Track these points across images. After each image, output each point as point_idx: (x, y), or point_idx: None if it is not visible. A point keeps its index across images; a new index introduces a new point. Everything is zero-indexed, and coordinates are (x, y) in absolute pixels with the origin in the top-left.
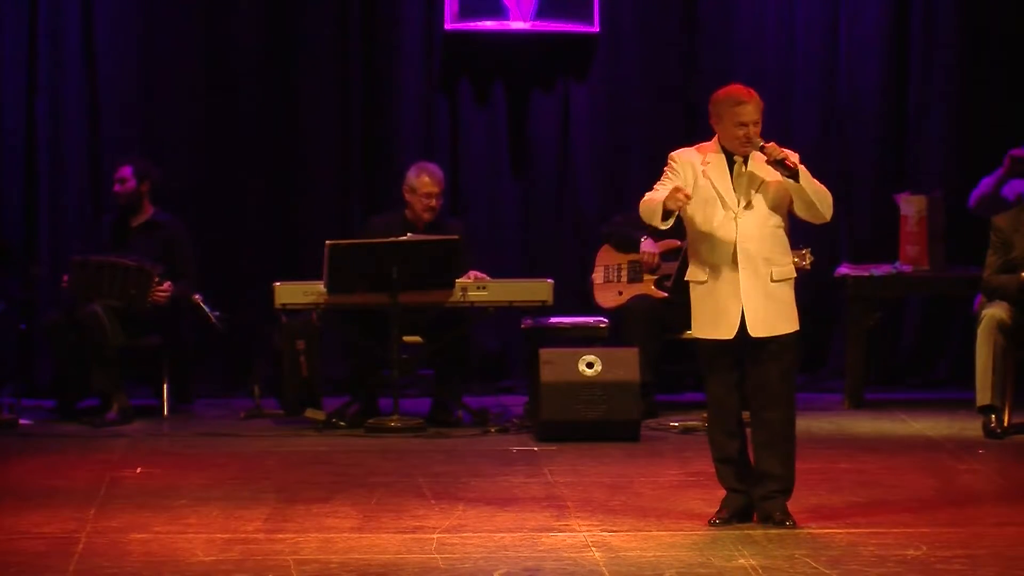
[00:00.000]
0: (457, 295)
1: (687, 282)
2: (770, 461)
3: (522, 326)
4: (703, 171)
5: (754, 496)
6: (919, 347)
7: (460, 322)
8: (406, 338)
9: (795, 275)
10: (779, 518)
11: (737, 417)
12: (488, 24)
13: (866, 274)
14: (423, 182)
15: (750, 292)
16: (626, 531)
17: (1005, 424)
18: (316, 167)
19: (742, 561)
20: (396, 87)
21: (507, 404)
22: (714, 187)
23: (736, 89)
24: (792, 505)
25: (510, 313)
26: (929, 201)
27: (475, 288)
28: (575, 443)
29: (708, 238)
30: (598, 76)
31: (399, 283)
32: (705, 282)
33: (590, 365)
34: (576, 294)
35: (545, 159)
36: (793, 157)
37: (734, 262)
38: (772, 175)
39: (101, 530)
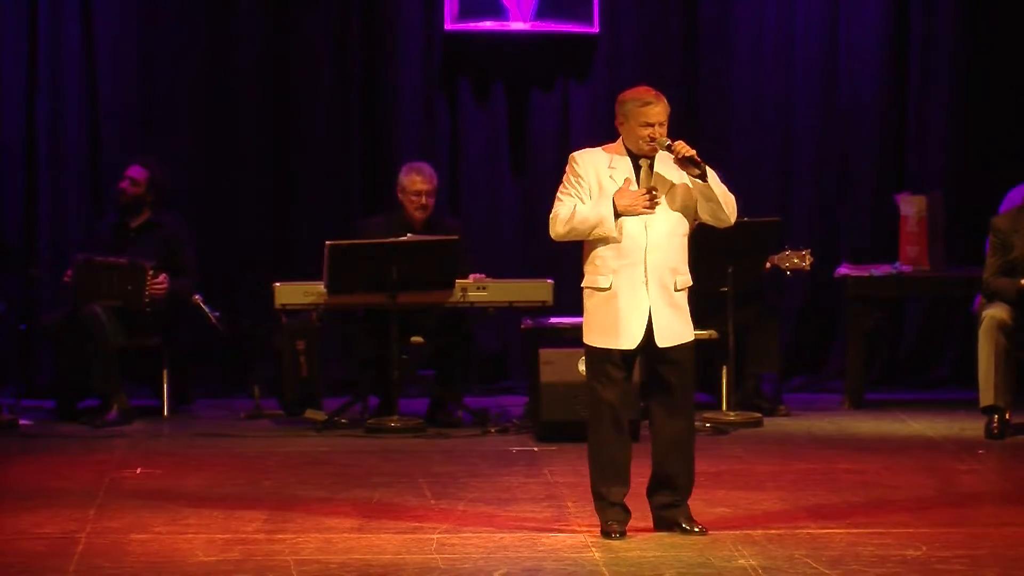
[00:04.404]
0: (457, 295)
1: (584, 288)
2: (673, 471)
3: (522, 326)
4: (610, 175)
5: (653, 504)
6: (919, 347)
7: (460, 322)
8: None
9: (691, 283)
10: (687, 526)
11: (630, 422)
12: (488, 24)
13: (866, 274)
14: (412, 180)
15: (657, 302)
16: (626, 531)
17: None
18: (316, 167)
19: (742, 561)
20: (396, 87)
21: (507, 404)
22: None
23: (643, 90)
24: (792, 505)
25: (510, 313)
26: (929, 201)
27: (475, 288)
28: (575, 443)
29: (616, 244)
30: (598, 76)
31: (399, 283)
32: (608, 289)
33: None
34: (576, 294)
35: (545, 159)
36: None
37: (643, 271)
38: (679, 179)
39: (101, 530)
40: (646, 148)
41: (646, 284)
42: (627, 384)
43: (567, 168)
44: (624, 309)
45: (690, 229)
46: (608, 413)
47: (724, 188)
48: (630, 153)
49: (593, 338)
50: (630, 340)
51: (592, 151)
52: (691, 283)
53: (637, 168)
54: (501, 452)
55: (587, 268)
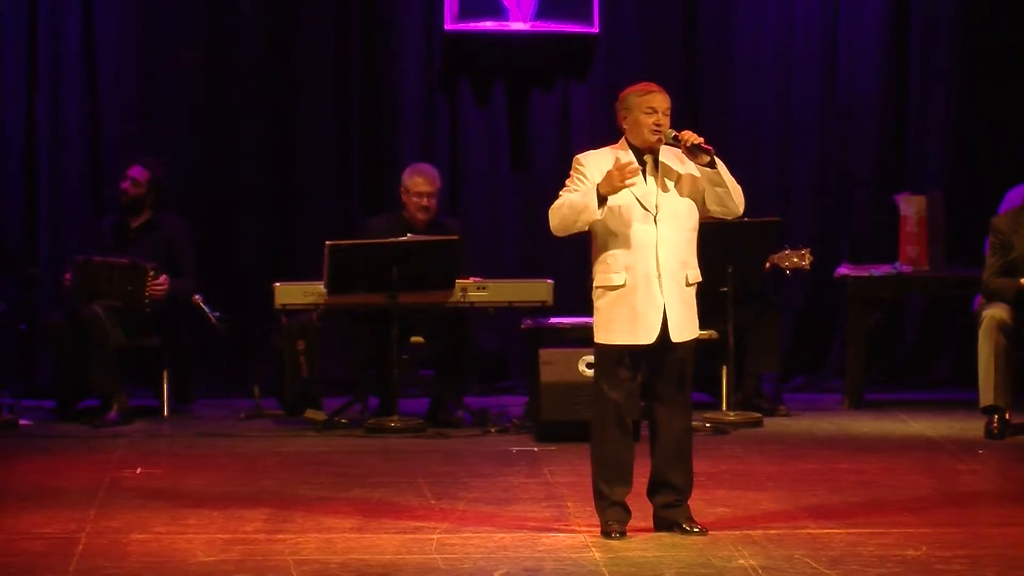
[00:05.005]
0: (457, 295)
1: (596, 288)
2: (676, 470)
3: (522, 326)
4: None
5: (655, 504)
6: (919, 347)
7: (460, 322)
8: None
9: (700, 278)
10: (687, 526)
11: (632, 422)
12: (488, 24)
13: (866, 274)
14: (415, 182)
15: (670, 296)
16: (626, 531)
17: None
18: (316, 167)
19: (742, 562)
20: (396, 87)
21: (507, 404)
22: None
23: (643, 83)
24: (792, 505)
25: (510, 313)
26: (929, 201)
27: (475, 288)
28: (575, 443)
29: (626, 241)
30: (598, 76)
31: (399, 283)
32: (622, 287)
33: (590, 365)
34: (576, 294)
35: (545, 159)
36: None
37: (655, 265)
38: (686, 170)
39: (101, 530)
40: (652, 139)
41: (659, 278)
42: (632, 384)
43: (571, 170)
44: (641, 304)
45: (698, 224)
46: (614, 412)
47: (732, 177)
48: (634, 149)
49: (608, 336)
50: (648, 335)
51: (596, 151)
52: (700, 278)
53: (643, 164)
54: (501, 452)
55: (598, 268)
